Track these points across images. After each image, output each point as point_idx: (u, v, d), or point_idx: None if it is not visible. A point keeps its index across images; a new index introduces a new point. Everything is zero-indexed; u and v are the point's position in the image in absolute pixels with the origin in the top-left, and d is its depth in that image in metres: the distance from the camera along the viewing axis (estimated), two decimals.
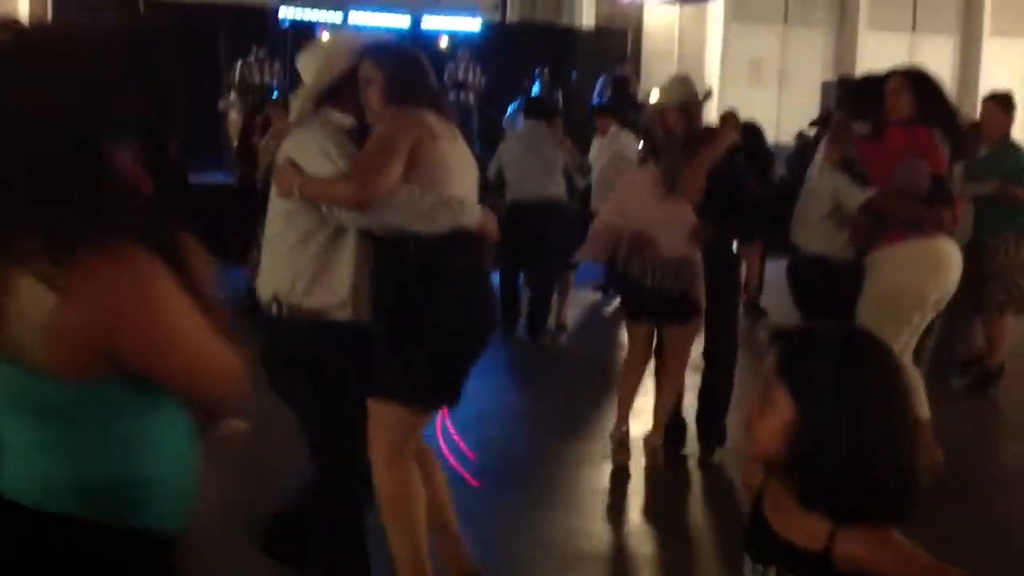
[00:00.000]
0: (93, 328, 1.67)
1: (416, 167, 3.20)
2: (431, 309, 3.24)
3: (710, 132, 5.30)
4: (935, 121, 4.77)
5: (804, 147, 9.73)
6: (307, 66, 3.41)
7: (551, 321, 8.27)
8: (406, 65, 3.40)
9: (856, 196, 4.79)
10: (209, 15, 14.71)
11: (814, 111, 13.74)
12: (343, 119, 3.38)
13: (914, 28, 20.51)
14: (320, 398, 3.32)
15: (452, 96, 14.02)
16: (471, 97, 14.05)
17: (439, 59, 14.61)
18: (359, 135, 3.34)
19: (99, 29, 1.70)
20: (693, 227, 4.93)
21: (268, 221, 3.41)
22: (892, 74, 4.87)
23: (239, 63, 13.23)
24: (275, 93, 12.39)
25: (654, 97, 5.68)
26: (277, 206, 3.34)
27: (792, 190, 5.67)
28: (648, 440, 5.23)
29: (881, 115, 4.80)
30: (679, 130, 5.01)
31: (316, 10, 14.97)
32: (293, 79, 12.28)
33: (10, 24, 1.70)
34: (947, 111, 4.88)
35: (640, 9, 18.12)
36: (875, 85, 4.91)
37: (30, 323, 1.66)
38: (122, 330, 1.70)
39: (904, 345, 4.74)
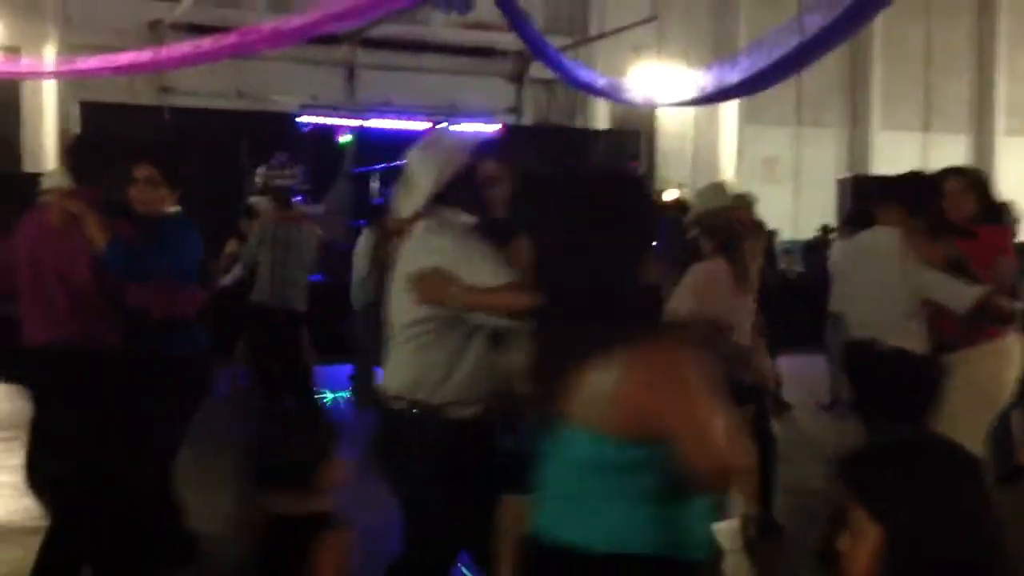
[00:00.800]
0: (644, 401, 2.09)
1: None
2: None
3: (757, 227, 5.91)
4: (995, 220, 4.92)
5: (821, 243, 9.79)
6: (422, 165, 3.37)
7: None
8: (531, 163, 3.47)
9: (961, 293, 4.74)
10: (231, 121, 15.05)
11: (829, 208, 13.88)
12: (464, 218, 3.35)
13: (926, 128, 20.76)
14: (442, 493, 3.30)
15: None
16: None
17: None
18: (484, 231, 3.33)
19: (624, 172, 2.30)
20: (756, 318, 5.39)
21: (396, 322, 3.38)
22: (951, 173, 4.98)
23: (262, 168, 13.46)
24: (297, 196, 12.66)
25: (699, 200, 6.04)
26: (406, 308, 3.31)
27: (813, 283, 5.81)
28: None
29: (937, 213, 4.89)
30: (748, 227, 5.59)
31: (335, 115, 15.30)
32: (315, 182, 12.58)
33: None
34: (999, 211, 5.04)
35: (653, 110, 18.41)
36: (926, 184, 5.00)
37: (594, 397, 2.11)
38: (665, 404, 2.09)
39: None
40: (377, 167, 14.59)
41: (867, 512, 1.69)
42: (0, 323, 4.55)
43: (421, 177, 3.36)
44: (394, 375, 3.36)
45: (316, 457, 2.82)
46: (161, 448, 4.45)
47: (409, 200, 3.40)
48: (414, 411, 3.28)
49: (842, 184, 15.48)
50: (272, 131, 14.76)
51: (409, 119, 15.60)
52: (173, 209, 4.28)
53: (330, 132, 15.22)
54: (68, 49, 14.94)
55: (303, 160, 14.43)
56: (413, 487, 3.38)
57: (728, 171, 19.48)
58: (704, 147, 19.70)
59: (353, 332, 9.11)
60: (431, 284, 3.22)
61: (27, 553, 5.07)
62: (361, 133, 15.26)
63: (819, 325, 9.03)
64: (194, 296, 4.46)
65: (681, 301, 5.42)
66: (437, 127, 3.28)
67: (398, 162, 13.35)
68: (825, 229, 10.94)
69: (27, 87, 16.24)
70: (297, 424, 2.95)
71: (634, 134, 17.55)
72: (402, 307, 3.34)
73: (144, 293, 4.17)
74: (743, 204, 5.92)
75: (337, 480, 2.84)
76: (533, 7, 17.89)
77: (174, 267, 4.23)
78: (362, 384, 8.94)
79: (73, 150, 4.67)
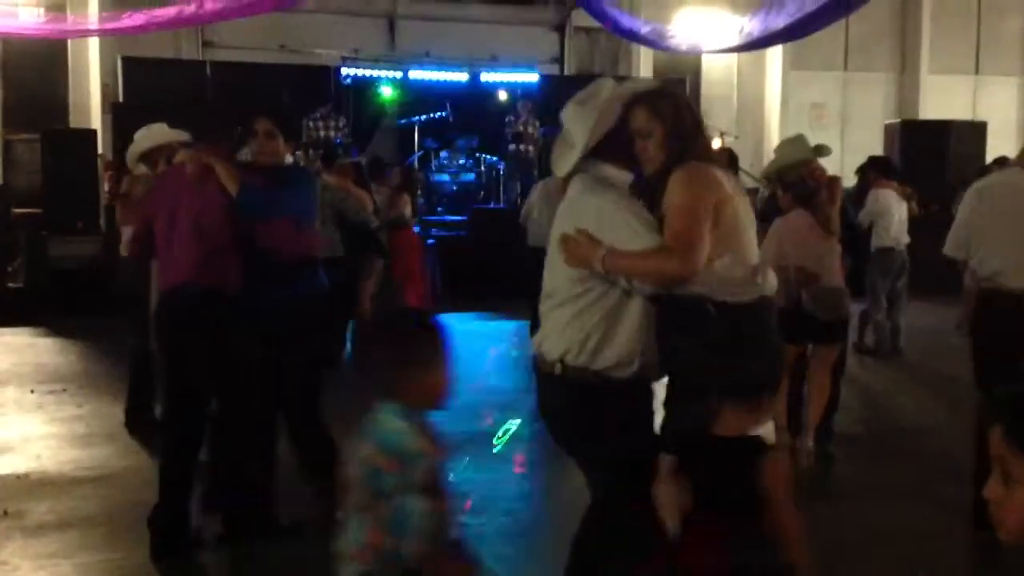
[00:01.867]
0: None
1: (715, 231, 3.08)
2: (734, 368, 3.08)
3: (832, 180, 6.17)
4: None
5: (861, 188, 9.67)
6: (576, 118, 3.25)
7: None
8: (685, 115, 3.21)
9: None
10: (272, 75, 15.04)
11: (877, 153, 13.62)
12: (621, 175, 3.25)
13: (977, 71, 20.30)
14: (610, 455, 3.25)
15: (512, 148, 14.13)
16: (530, 149, 14.12)
17: (498, 112, 14.78)
18: (637, 189, 3.25)
19: None
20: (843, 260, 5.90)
21: (550, 286, 3.32)
22: None
23: (305, 120, 13.45)
24: (339, 149, 12.67)
25: (779, 154, 6.36)
26: (560, 272, 3.24)
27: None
28: (801, 445, 5.83)
29: None
30: (824, 179, 6.01)
31: (377, 67, 15.24)
32: (356, 134, 12.55)
33: None
34: None
35: (698, 57, 18.15)
36: None
37: None
38: None
39: None
40: (418, 118, 14.55)
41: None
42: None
43: (576, 132, 3.22)
44: (551, 340, 3.27)
45: (769, 380, 3.06)
46: (298, 386, 4.69)
47: (565, 158, 3.28)
48: (574, 375, 3.20)
49: (890, 129, 15.20)
50: (314, 84, 14.74)
51: (450, 70, 15.49)
52: (289, 159, 4.60)
53: (371, 84, 15.17)
54: (111, 6, 14.97)
55: (344, 112, 14.41)
56: (586, 453, 3.37)
57: (773, 118, 19.21)
58: (749, 94, 19.41)
59: None
60: (577, 247, 3.14)
61: (72, 503, 5.18)
62: (402, 84, 15.21)
63: (860, 271, 8.95)
64: (315, 237, 4.71)
65: (766, 253, 5.35)
66: (595, 80, 3.20)
67: (439, 112, 13.28)
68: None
69: (72, 44, 16.33)
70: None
71: (679, 82, 17.29)
72: (557, 270, 3.25)
73: (272, 232, 4.43)
74: (821, 155, 6.20)
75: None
76: None
77: (295, 208, 4.51)
78: None
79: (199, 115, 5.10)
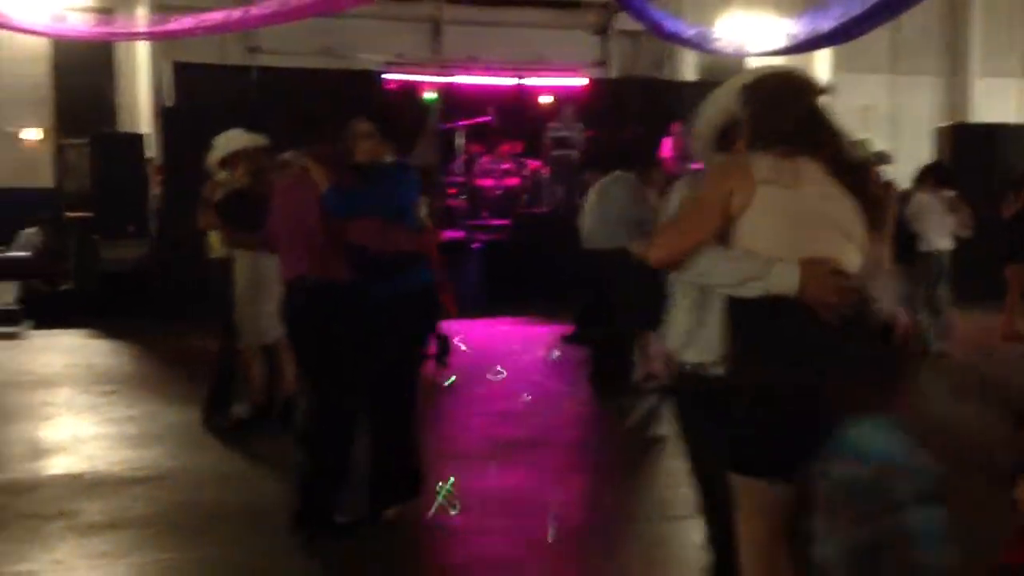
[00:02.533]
0: None
1: (730, 221, 2.91)
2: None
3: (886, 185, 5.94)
4: None
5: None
6: (705, 109, 3.22)
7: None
8: (771, 102, 3.02)
9: None
10: (317, 79, 15.15)
11: (926, 157, 13.48)
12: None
13: None
14: (715, 459, 3.16)
15: (556, 152, 14.13)
16: (575, 153, 14.11)
17: (542, 117, 14.78)
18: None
19: None
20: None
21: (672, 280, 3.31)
22: None
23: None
24: None
25: None
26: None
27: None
28: None
29: None
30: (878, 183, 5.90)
31: (421, 73, 15.29)
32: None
33: None
34: None
35: (743, 60, 18.05)
36: None
37: None
38: None
39: None
40: (462, 123, 14.59)
41: None
42: None
43: (701, 121, 3.18)
44: (674, 336, 3.24)
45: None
46: (399, 379, 4.90)
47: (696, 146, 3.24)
48: (699, 374, 3.16)
49: (941, 133, 15.02)
50: (358, 89, 14.81)
51: (494, 74, 15.52)
52: (389, 158, 4.80)
53: (415, 89, 15.22)
54: (159, 9, 15.16)
55: None
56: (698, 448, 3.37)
57: None
58: None
59: None
60: (659, 236, 3.09)
61: (124, 503, 5.25)
62: (446, 89, 15.25)
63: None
64: (409, 234, 4.84)
65: None
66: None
67: (483, 118, 13.25)
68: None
69: (120, 48, 16.55)
70: None
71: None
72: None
73: (357, 229, 4.64)
74: (880, 160, 6.29)
75: None
76: None
77: (383, 206, 4.68)
78: None
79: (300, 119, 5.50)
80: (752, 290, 2.86)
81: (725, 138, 3.14)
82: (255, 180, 6.35)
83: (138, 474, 5.79)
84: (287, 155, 5.21)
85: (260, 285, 6.37)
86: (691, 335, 3.16)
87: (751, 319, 2.90)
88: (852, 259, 2.96)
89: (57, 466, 5.89)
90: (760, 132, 2.99)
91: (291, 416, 6.29)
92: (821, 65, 19.07)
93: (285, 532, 4.63)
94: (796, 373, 2.85)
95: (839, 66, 18.96)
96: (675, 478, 5.68)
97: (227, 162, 6.53)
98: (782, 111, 3.00)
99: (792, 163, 2.93)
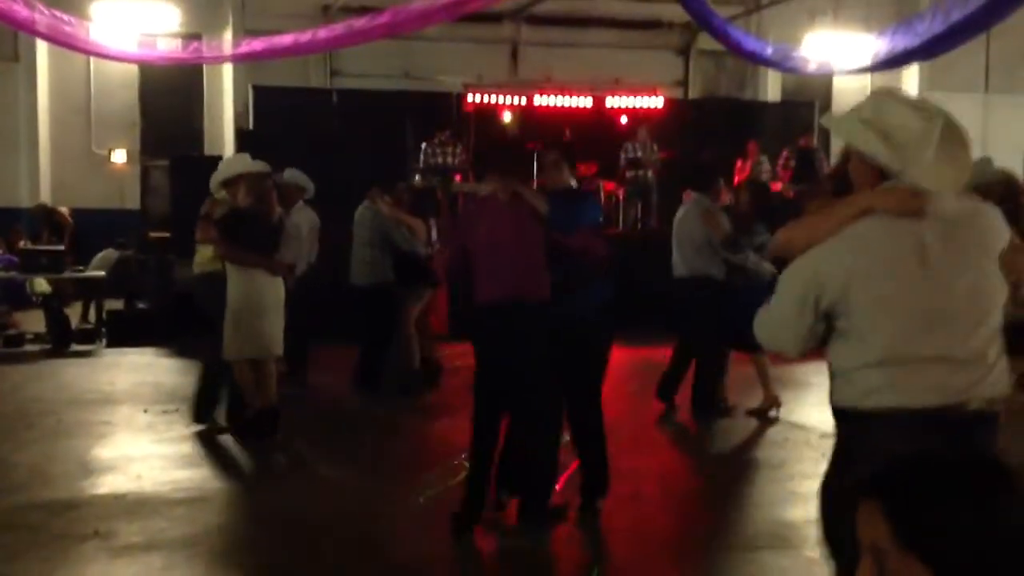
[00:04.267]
0: None
1: None
2: None
3: None
4: None
5: None
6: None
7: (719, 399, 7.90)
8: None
9: None
10: (396, 101, 15.28)
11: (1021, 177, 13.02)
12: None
13: None
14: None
15: (630, 173, 13.98)
16: (649, 174, 13.94)
17: (619, 137, 14.64)
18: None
19: None
20: None
21: (974, 318, 3.01)
22: None
23: (424, 146, 13.58)
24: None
25: (976, 170, 6.35)
26: (998, 294, 3.03)
27: None
28: None
29: None
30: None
31: (499, 93, 15.28)
32: (477, 160, 12.56)
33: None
34: None
35: (829, 79, 17.66)
36: None
37: None
38: None
39: None
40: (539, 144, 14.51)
41: (914, 554, 1.29)
42: None
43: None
44: (995, 376, 2.94)
45: None
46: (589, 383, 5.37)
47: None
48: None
49: None
50: (436, 110, 14.89)
51: (572, 95, 15.43)
52: (573, 182, 5.39)
53: (494, 110, 15.23)
54: (244, 35, 15.47)
55: (466, 139, 14.49)
56: None
57: None
58: None
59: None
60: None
61: (163, 524, 5.24)
62: (525, 110, 15.21)
63: None
64: (604, 244, 5.46)
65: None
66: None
67: (560, 138, 13.13)
68: None
69: (208, 74, 16.97)
70: None
71: (807, 105, 16.85)
72: (993, 294, 2.95)
73: (578, 239, 5.11)
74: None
75: None
76: None
77: (590, 218, 5.39)
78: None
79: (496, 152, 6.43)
80: None
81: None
82: (256, 202, 6.81)
83: (181, 495, 5.79)
84: (489, 184, 5.47)
85: (251, 300, 6.76)
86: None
87: None
88: None
89: (103, 485, 5.92)
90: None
91: (266, 427, 6.86)
92: (910, 83, 18.58)
93: (316, 557, 4.57)
94: None
95: (929, 84, 18.43)
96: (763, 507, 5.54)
97: (228, 183, 6.93)
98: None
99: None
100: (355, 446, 7.06)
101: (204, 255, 7.14)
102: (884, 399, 2.75)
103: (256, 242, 6.81)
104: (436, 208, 8.89)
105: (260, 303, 6.80)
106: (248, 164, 7.07)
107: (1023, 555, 1.28)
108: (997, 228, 3.01)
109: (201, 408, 7.23)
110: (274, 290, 6.93)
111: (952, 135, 2.88)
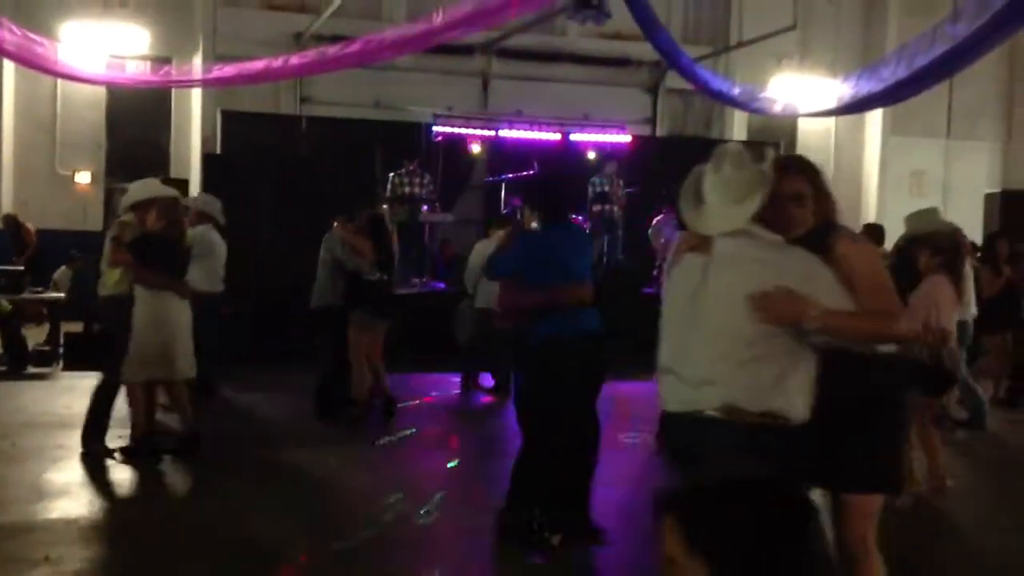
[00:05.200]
0: None
1: None
2: (890, 412, 3.59)
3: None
4: None
5: None
6: (740, 181, 3.34)
7: None
8: (828, 184, 3.55)
9: None
10: (366, 130, 15.29)
11: (979, 223, 13.23)
12: (773, 235, 3.35)
13: None
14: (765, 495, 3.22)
15: (597, 208, 14.05)
16: (615, 209, 14.03)
17: (586, 173, 14.71)
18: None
19: None
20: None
21: (720, 334, 3.29)
22: None
23: (392, 176, 13.59)
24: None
25: (919, 221, 6.74)
26: (746, 322, 3.24)
27: None
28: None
29: None
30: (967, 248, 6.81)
31: (468, 126, 15.31)
32: (445, 191, 12.53)
33: None
34: None
35: (794, 121, 17.91)
36: None
37: None
38: None
39: None
40: (507, 176, 14.56)
41: (701, 558, 1.51)
42: None
43: (738, 195, 3.31)
44: (719, 386, 3.26)
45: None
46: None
47: (709, 218, 3.35)
48: (739, 417, 3.23)
49: (989, 199, 14.73)
50: (405, 140, 14.88)
51: (541, 129, 15.50)
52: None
53: (462, 142, 15.26)
54: (214, 60, 15.45)
55: (434, 169, 14.49)
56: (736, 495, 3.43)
57: (871, 185, 18.79)
58: (847, 160, 19.03)
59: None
60: (781, 304, 3.20)
61: (113, 551, 5.16)
62: (493, 143, 15.26)
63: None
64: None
65: (918, 313, 6.11)
66: (723, 145, 3.41)
67: (528, 172, 13.21)
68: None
69: (177, 98, 16.91)
70: None
71: (772, 145, 17.06)
72: (740, 324, 3.24)
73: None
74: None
75: None
76: (673, 16, 17.64)
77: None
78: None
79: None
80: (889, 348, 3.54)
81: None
82: (168, 226, 7.05)
83: (133, 522, 5.72)
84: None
85: (160, 323, 6.95)
86: (776, 387, 3.30)
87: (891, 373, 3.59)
88: None
89: (55, 510, 5.82)
90: (830, 211, 3.57)
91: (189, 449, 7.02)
92: (873, 128, 18.89)
93: None
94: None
95: (893, 129, 18.73)
96: None
97: (138, 207, 7.07)
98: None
99: None
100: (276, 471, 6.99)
101: (112, 277, 7.19)
102: (662, 402, 3.39)
103: (166, 265, 7.04)
104: (383, 234, 8.88)
105: (169, 325, 6.98)
106: (159, 189, 7.32)
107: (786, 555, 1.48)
108: (782, 267, 3.27)
109: (89, 433, 7.17)
110: (183, 313, 7.12)
111: (733, 181, 3.30)
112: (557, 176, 11.22)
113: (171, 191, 7.35)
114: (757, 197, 3.29)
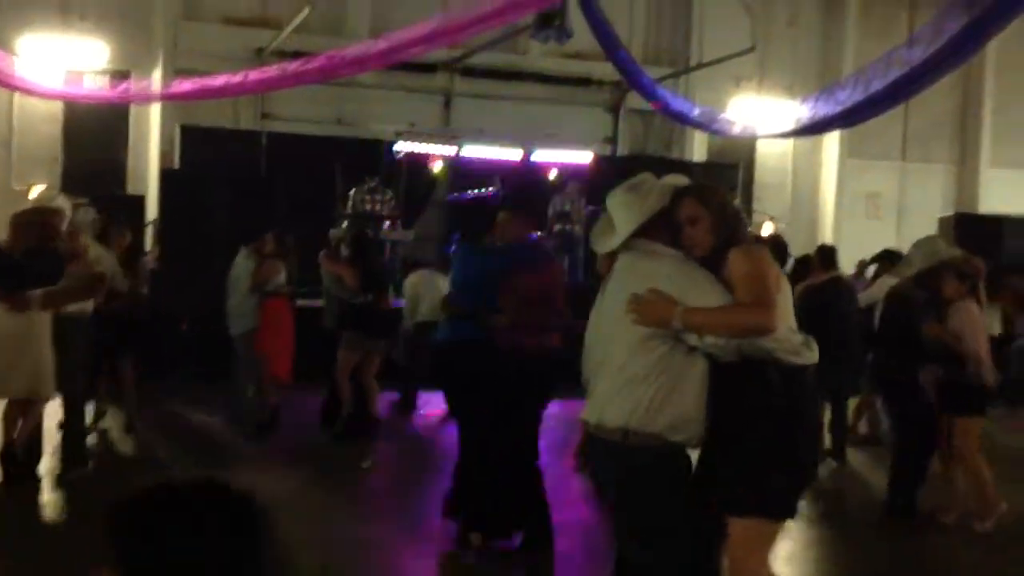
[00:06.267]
0: None
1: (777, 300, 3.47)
2: (795, 431, 3.48)
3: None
4: None
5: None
6: (625, 202, 3.56)
7: None
8: (728, 205, 3.66)
9: None
10: (327, 147, 15.25)
11: None
12: (670, 250, 3.53)
13: None
14: (678, 521, 3.47)
15: (558, 227, 14.10)
16: (576, 228, 14.09)
17: (547, 192, 14.77)
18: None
19: None
20: None
21: (605, 354, 3.50)
22: None
23: (352, 193, 13.56)
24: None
25: (932, 249, 6.92)
26: (624, 336, 3.41)
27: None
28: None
29: None
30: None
31: (430, 143, 15.32)
32: (407, 209, 12.54)
33: None
34: None
35: (753, 143, 18.07)
36: None
37: None
38: None
39: None
40: (468, 194, 14.58)
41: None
42: None
43: (622, 214, 3.54)
44: (613, 406, 3.42)
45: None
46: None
47: (607, 236, 3.60)
48: (636, 440, 3.37)
49: (944, 222, 14.94)
50: (367, 158, 14.86)
51: (503, 147, 15.53)
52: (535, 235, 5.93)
53: (424, 159, 15.25)
54: (175, 74, 15.31)
55: (396, 186, 14.48)
56: (641, 518, 3.52)
57: (828, 206, 18.99)
58: (804, 182, 19.23)
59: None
60: (650, 306, 3.31)
61: None
62: (454, 160, 15.27)
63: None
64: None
65: (974, 339, 6.51)
66: (640, 174, 3.66)
67: (489, 190, 13.35)
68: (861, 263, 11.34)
69: (135, 113, 16.74)
70: None
71: (732, 166, 17.22)
72: (618, 335, 3.42)
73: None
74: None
75: None
76: (634, 37, 17.77)
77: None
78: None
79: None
80: (804, 359, 3.45)
81: (655, 228, 3.57)
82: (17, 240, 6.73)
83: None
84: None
85: (16, 340, 6.51)
86: (664, 403, 3.43)
87: (795, 386, 3.47)
88: None
89: None
90: (732, 232, 3.59)
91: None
92: (830, 150, 19.10)
93: None
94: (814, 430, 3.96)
95: (849, 151, 18.96)
96: None
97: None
98: (739, 213, 3.88)
99: None
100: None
101: None
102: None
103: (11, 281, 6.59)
104: (367, 253, 9.29)
105: (31, 341, 6.59)
106: (49, 200, 7.46)
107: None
108: (652, 272, 3.46)
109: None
110: (42, 327, 6.70)
111: (625, 201, 3.57)
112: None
113: (59, 202, 7.45)
114: (636, 215, 3.49)
